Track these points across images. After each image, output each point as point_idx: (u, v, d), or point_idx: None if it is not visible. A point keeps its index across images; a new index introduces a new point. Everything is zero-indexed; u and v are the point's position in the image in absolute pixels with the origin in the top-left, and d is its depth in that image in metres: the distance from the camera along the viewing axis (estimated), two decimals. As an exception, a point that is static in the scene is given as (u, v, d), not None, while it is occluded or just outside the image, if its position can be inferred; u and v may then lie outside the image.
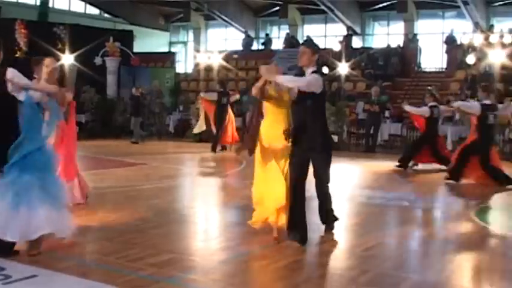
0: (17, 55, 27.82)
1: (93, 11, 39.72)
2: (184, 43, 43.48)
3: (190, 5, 38.84)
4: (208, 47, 39.27)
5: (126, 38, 31.25)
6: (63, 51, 27.29)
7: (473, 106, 14.19)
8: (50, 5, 36.08)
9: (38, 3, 35.29)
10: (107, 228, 7.52)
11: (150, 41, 39.30)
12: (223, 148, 20.45)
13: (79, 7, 38.99)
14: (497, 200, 12.17)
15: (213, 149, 19.73)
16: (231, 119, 20.26)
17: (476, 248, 7.74)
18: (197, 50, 37.15)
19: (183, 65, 41.27)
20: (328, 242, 7.73)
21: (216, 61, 31.71)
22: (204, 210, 10.12)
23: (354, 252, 7.19)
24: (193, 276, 6.05)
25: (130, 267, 6.14)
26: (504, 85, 25.21)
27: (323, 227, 8.09)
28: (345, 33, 34.65)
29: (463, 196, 12.20)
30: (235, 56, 33.45)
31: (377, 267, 6.41)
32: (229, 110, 20.32)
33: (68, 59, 26.67)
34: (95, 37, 28.11)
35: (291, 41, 35.47)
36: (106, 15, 39.94)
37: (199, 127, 21.32)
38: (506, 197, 12.54)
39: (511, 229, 8.80)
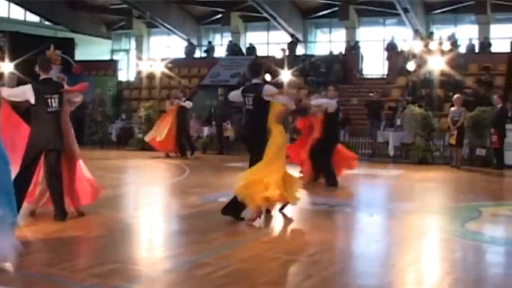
0: (-46, 63, 27.34)
1: (34, 18, 39.17)
2: (127, 51, 43.17)
3: (133, 13, 38.60)
4: (151, 54, 39.07)
5: (68, 46, 30.92)
6: (2, 60, 26.89)
7: (330, 102, 14.09)
8: (-11, 12, 35.57)
9: (-24, 10, 34.77)
10: (50, 239, 7.40)
11: (91, 49, 38.93)
12: (167, 155, 20.60)
13: (19, 14, 38.42)
14: (424, 201, 12.34)
15: (183, 154, 21.16)
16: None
17: (420, 251, 7.84)
18: (139, 58, 36.94)
19: (126, 73, 41.00)
20: (271, 248, 7.76)
21: (159, 69, 31.56)
22: (148, 220, 10.06)
23: (297, 259, 7.22)
24: (137, 286, 6.00)
25: (74, 278, 6.05)
26: (443, 91, 25.62)
27: (271, 234, 8.12)
28: (287, 40, 34.80)
29: (404, 201, 12.32)
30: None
31: (321, 273, 6.44)
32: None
33: (7, 67, 26.29)
34: (35, 45, 27.70)
35: (233, 49, 35.54)
36: (47, 22, 39.43)
37: (151, 135, 21.37)
38: (444, 199, 12.75)
39: (455, 233, 8.90)
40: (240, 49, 35.70)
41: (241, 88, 10.18)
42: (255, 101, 9.61)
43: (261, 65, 10.97)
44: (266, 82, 7.01)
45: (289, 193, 9.60)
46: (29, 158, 8.65)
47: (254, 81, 9.99)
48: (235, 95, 10.23)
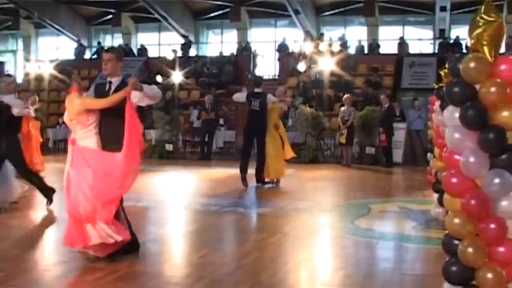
0: None
1: None
2: (14, 52, 42.09)
3: (20, 13, 37.62)
4: (39, 55, 38.23)
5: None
6: None
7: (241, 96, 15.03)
8: None
9: None
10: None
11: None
12: None
13: None
14: (315, 200, 12.51)
15: None
16: None
17: (311, 248, 7.91)
18: (27, 60, 36.10)
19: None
20: (163, 250, 7.69)
21: (47, 71, 30.89)
22: (37, 226, 9.79)
23: (190, 260, 7.17)
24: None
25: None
26: (334, 91, 26.04)
27: (163, 236, 8.03)
28: (179, 41, 34.72)
29: (295, 199, 12.41)
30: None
31: (212, 274, 6.40)
32: None
33: None
34: None
35: (124, 50, 35.17)
36: None
37: None
38: (335, 197, 12.94)
39: (346, 230, 9.02)
40: (132, 50, 35.34)
41: (245, 94, 14.71)
42: (261, 104, 14.02)
43: (262, 79, 16.28)
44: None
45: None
46: None
47: (257, 90, 14.54)
48: (240, 97, 14.95)
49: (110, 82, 7.33)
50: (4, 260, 6.91)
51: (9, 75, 15.13)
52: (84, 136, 6.96)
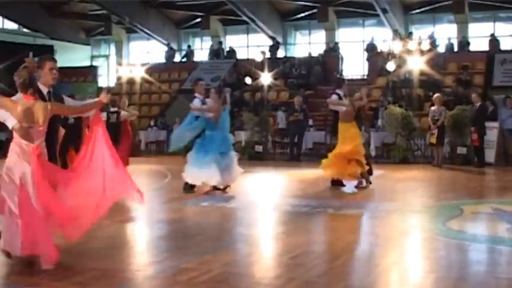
0: None
1: (12, 26, 39.00)
2: (106, 57, 43.05)
3: (111, 18, 38.50)
4: (131, 60, 39.02)
5: (47, 53, 30.59)
6: (-20, 68, 26.77)
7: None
8: (-34, 20, 35.34)
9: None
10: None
11: (71, 55, 38.80)
12: None
13: (-4, 22, 38.32)
14: (406, 201, 12.36)
15: None
16: None
17: (402, 250, 7.86)
18: (119, 64, 36.88)
19: (106, 79, 40.87)
20: (254, 251, 7.76)
21: (139, 74, 31.51)
22: (130, 226, 10.01)
23: (280, 261, 7.20)
24: (120, 292, 5.98)
25: (57, 287, 6.02)
26: (423, 91, 25.72)
27: (253, 237, 8.15)
28: (267, 43, 34.87)
29: (385, 200, 12.33)
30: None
31: (303, 275, 6.42)
32: None
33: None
34: (13, 53, 27.56)
35: (217, 52, 35.58)
36: (25, 30, 39.26)
37: None
38: (426, 198, 12.77)
39: (437, 231, 8.91)
40: (222, 52, 35.70)
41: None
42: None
43: (342, 81, 15.73)
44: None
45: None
46: None
47: (338, 91, 14.43)
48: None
49: (49, 92, 7.25)
50: (98, 259, 7.09)
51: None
52: (43, 145, 6.85)
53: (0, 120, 6.80)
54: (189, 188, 13.23)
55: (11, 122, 6.66)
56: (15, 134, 6.73)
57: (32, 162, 6.61)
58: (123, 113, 17.37)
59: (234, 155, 13.49)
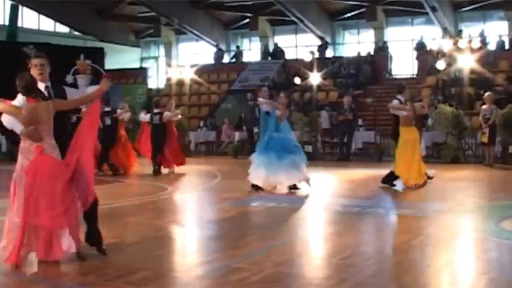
0: (-13, 76, 27.64)
1: (63, 29, 39.59)
2: (156, 58, 43.42)
3: (161, 21, 38.85)
4: (180, 61, 39.31)
5: (97, 55, 31.09)
6: (33, 71, 27.15)
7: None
8: (19, 24, 35.87)
9: (7, 23, 35.07)
10: (82, 247, 7.41)
11: (121, 57, 39.24)
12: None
13: (48, 26, 38.90)
14: (457, 201, 12.24)
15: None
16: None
17: (454, 251, 7.79)
18: (169, 65, 37.17)
19: (155, 80, 41.22)
20: (304, 252, 7.76)
21: (188, 75, 31.71)
22: (180, 226, 10.09)
23: (330, 262, 7.19)
24: (171, 292, 6.04)
25: (109, 286, 6.09)
26: (474, 89, 25.44)
27: (303, 237, 8.16)
28: (315, 42, 34.86)
29: (436, 200, 12.24)
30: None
31: (354, 276, 6.41)
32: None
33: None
34: (65, 55, 27.88)
35: (268, 52, 35.70)
36: (76, 33, 39.81)
37: None
38: (477, 198, 12.64)
39: (490, 232, 8.82)
40: (274, 51, 35.76)
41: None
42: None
43: (403, 86, 15.08)
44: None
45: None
46: None
47: (398, 96, 14.21)
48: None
49: (48, 86, 7.31)
50: (149, 259, 7.14)
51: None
52: (50, 142, 6.90)
53: (9, 127, 7.02)
54: (256, 188, 13.36)
55: (19, 128, 6.85)
56: (22, 137, 6.87)
57: (33, 159, 6.79)
58: (165, 113, 17.57)
59: (298, 157, 13.58)
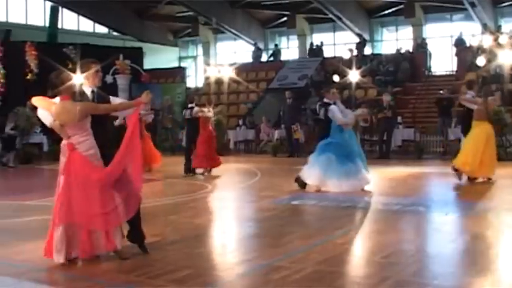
0: (27, 77, 28.03)
1: (102, 29, 39.93)
2: (194, 57, 43.59)
3: (199, 20, 39.01)
4: (218, 60, 39.44)
5: (136, 55, 31.38)
6: (73, 71, 27.40)
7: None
8: (59, 26, 36.24)
9: (47, 24, 35.44)
10: (124, 246, 7.46)
11: (159, 57, 39.49)
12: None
13: (88, 27, 39.24)
14: (500, 199, 12.10)
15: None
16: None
17: (498, 250, 7.71)
18: (207, 64, 37.29)
19: (194, 80, 41.39)
20: (346, 250, 7.74)
21: (227, 74, 31.79)
22: (221, 224, 10.12)
23: (372, 260, 7.15)
24: (214, 291, 6.06)
25: (151, 284, 6.13)
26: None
27: (345, 235, 8.16)
28: (354, 40, 34.74)
29: (479, 199, 12.12)
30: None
31: (397, 275, 6.36)
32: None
33: (78, 79, 26.82)
34: (104, 56, 27.96)
35: (311, 50, 35.68)
36: (115, 33, 40.12)
37: None
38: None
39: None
40: (320, 51, 35.68)
41: None
42: None
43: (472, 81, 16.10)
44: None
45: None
46: None
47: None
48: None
49: (93, 91, 7.65)
50: (190, 258, 7.18)
51: None
52: (82, 140, 7.02)
53: (42, 119, 7.40)
54: (302, 184, 13.35)
55: (48, 121, 7.20)
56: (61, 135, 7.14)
57: (67, 156, 6.99)
58: (195, 109, 17.63)
59: (357, 165, 13.26)
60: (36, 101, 7.27)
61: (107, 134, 7.53)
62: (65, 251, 6.86)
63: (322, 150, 13.23)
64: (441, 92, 25.36)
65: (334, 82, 28.67)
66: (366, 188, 13.21)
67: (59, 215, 6.89)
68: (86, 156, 6.96)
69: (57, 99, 7.13)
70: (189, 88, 36.08)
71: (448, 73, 31.86)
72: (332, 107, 13.24)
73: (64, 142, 7.04)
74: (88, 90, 7.51)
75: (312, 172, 13.20)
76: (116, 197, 7.05)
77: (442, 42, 34.33)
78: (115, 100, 7.85)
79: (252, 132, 28.66)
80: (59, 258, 6.82)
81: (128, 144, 7.15)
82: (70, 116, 6.96)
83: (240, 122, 29.65)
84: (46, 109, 7.18)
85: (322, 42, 36.20)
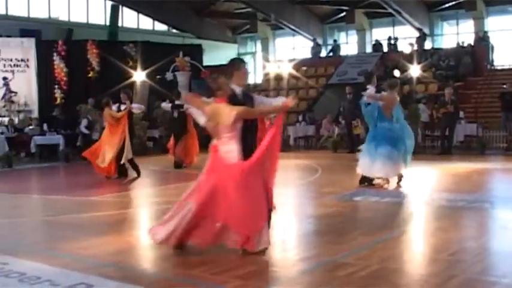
0: (89, 75, 28.42)
1: (162, 27, 40.24)
2: (253, 54, 43.66)
3: (257, 16, 39.04)
4: (277, 56, 39.44)
5: (195, 52, 31.53)
6: (134, 69, 27.82)
7: None
8: (120, 24, 36.63)
9: (108, 23, 35.86)
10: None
11: (218, 53, 39.54)
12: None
13: (147, 24, 39.57)
14: None
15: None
16: None
17: None
18: (266, 60, 37.31)
19: (253, 76, 41.43)
20: (410, 248, 7.65)
21: (286, 70, 31.75)
22: (282, 221, 10.09)
23: (438, 258, 7.03)
24: (278, 287, 6.06)
25: (215, 280, 6.16)
26: None
27: (409, 232, 8.07)
28: (413, 35, 34.40)
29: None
30: (304, 68, 33.82)
31: (464, 272, 6.26)
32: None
33: (139, 76, 27.16)
34: (164, 53, 28.46)
35: (377, 46, 35.50)
36: (174, 30, 40.38)
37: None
38: None
39: None
40: (381, 45, 35.45)
41: None
42: None
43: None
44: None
45: None
46: None
47: None
48: None
49: (243, 92, 7.85)
50: (251, 255, 7.11)
51: None
52: (228, 143, 7.19)
53: (194, 116, 8.10)
54: (368, 181, 13.27)
55: (201, 120, 7.66)
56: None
57: (211, 157, 7.39)
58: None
59: (397, 150, 13.02)
60: (189, 99, 7.87)
61: (254, 138, 7.65)
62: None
63: (367, 139, 13.38)
64: (504, 86, 24.89)
65: (394, 77, 28.45)
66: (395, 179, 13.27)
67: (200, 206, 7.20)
68: (228, 157, 7.17)
69: (210, 100, 7.47)
70: (248, 84, 36.10)
71: (511, 67, 31.28)
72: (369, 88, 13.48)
73: (213, 143, 7.36)
74: (238, 90, 7.65)
75: (361, 162, 13.26)
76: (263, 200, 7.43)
77: (505, 35, 33.73)
78: (261, 100, 8.12)
79: (312, 128, 28.58)
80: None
81: (270, 144, 7.35)
82: (225, 119, 7.16)
83: (300, 117, 29.57)
84: (198, 108, 7.59)
85: (392, 37, 35.82)
